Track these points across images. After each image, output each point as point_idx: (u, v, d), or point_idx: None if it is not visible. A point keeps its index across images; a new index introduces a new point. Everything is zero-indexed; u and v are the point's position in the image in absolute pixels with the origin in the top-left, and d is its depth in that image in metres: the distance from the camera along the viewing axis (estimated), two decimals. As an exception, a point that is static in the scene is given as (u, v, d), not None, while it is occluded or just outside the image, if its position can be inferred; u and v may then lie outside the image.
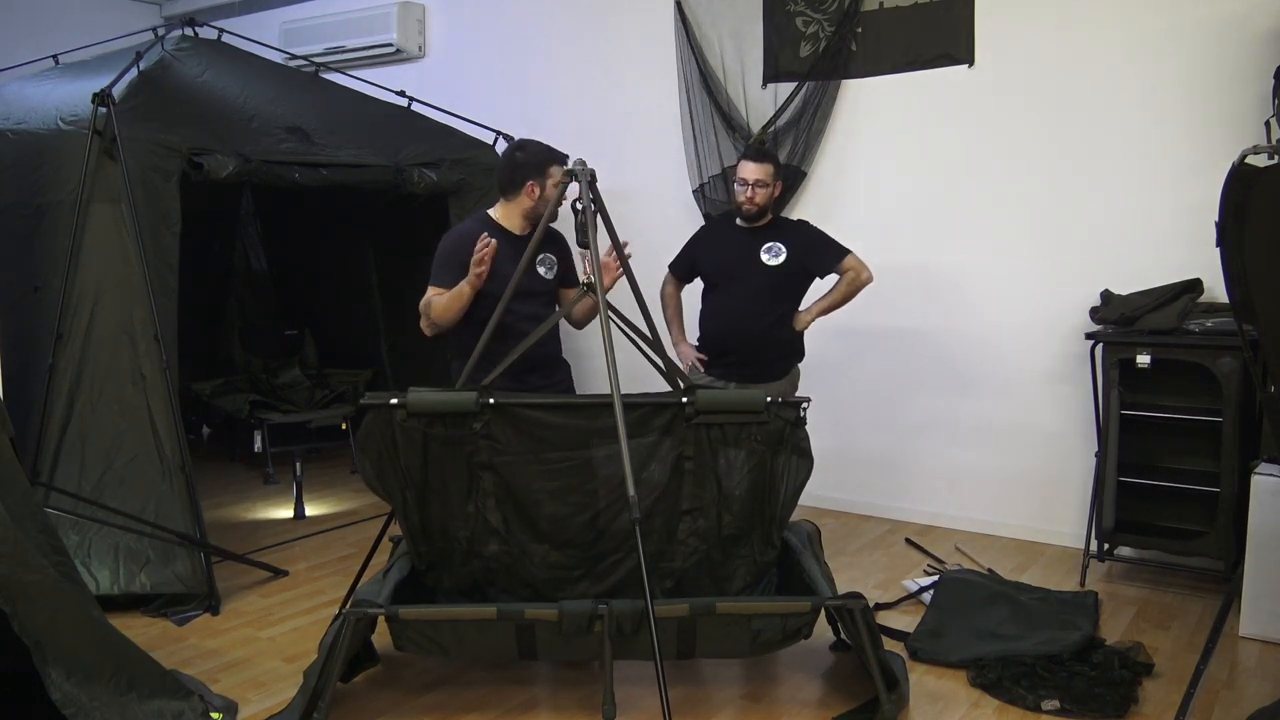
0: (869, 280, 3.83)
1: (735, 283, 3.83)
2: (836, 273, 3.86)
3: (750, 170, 3.74)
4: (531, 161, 3.34)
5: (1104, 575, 3.94)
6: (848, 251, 3.84)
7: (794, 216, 4.13)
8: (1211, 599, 3.65)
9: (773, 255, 3.79)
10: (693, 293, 4.03)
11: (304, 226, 6.25)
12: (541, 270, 3.39)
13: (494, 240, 3.14)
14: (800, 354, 3.97)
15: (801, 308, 3.92)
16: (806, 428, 3.14)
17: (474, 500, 3.11)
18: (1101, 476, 3.86)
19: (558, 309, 3.40)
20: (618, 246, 3.11)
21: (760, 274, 3.78)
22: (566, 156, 3.34)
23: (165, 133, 3.82)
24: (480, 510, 3.12)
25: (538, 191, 3.33)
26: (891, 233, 4.59)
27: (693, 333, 4.02)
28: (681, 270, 4.05)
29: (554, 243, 3.46)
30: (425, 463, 3.05)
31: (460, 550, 3.14)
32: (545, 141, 3.44)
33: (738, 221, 3.87)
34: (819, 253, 3.85)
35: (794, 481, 3.14)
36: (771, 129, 4.85)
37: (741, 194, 3.76)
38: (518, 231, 3.37)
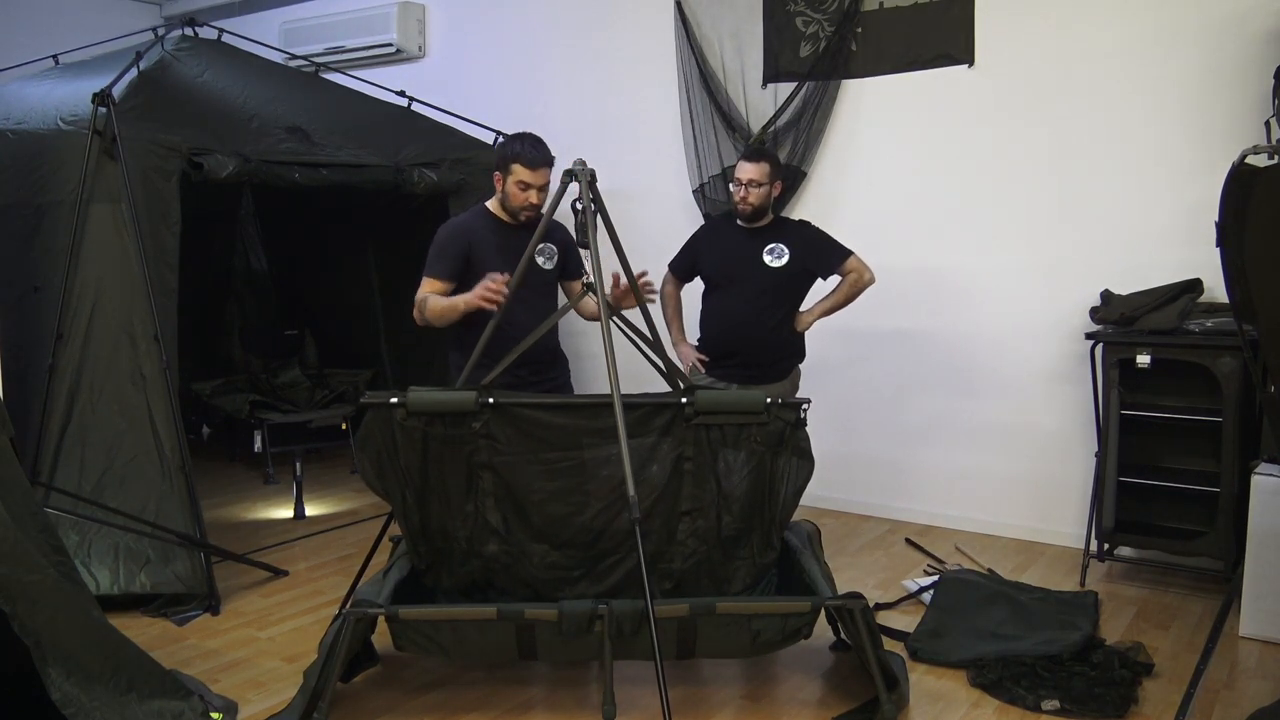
0: (871, 281, 3.83)
1: (737, 284, 3.82)
2: (839, 274, 3.85)
3: (745, 170, 3.73)
4: (499, 154, 3.37)
5: (1104, 575, 3.94)
6: (850, 253, 3.83)
7: (794, 216, 4.12)
8: (1211, 599, 3.65)
9: (775, 256, 3.78)
10: (693, 293, 4.03)
11: (304, 226, 6.25)
12: (540, 260, 3.37)
13: (504, 277, 3.05)
14: (801, 355, 3.97)
15: (803, 308, 3.92)
16: (807, 428, 3.14)
17: (473, 500, 3.11)
18: (1101, 476, 3.86)
19: (558, 300, 3.39)
20: (629, 274, 3.09)
21: (762, 275, 3.78)
22: (539, 157, 3.27)
23: (165, 133, 3.82)
24: (480, 510, 3.11)
25: (501, 185, 3.34)
26: (891, 233, 4.59)
27: (692, 333, 4.02)
28: (682, 270, 4.04)
29: (553, 233, 3.41)
30: (425, 462, 3.05)
31: (460, 550, 3.13)
32: (545, 140, 3.39)
33: (738, 222, 3.86)
34: (821, 254, 3.84)
35: (794, 483, 3.14)
36: (771, 129, 4.85)
37: (736, 194, 3.76)
38: (507, 220, 3.39)
